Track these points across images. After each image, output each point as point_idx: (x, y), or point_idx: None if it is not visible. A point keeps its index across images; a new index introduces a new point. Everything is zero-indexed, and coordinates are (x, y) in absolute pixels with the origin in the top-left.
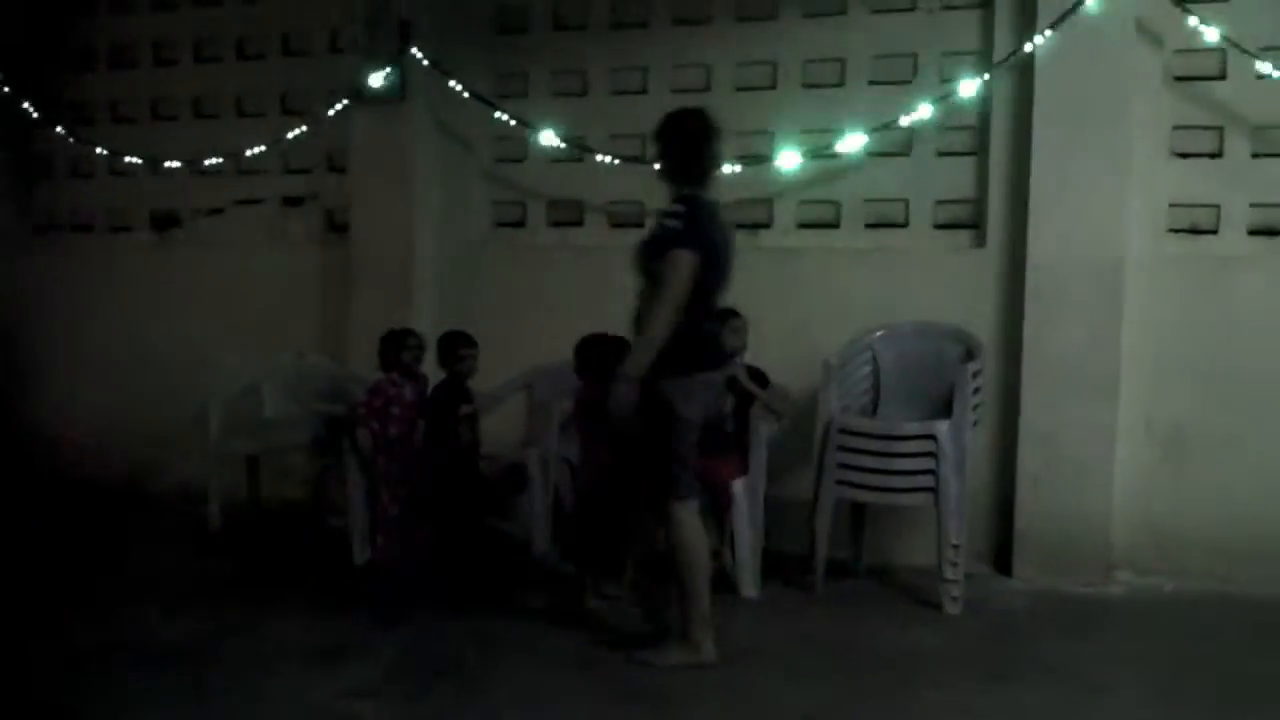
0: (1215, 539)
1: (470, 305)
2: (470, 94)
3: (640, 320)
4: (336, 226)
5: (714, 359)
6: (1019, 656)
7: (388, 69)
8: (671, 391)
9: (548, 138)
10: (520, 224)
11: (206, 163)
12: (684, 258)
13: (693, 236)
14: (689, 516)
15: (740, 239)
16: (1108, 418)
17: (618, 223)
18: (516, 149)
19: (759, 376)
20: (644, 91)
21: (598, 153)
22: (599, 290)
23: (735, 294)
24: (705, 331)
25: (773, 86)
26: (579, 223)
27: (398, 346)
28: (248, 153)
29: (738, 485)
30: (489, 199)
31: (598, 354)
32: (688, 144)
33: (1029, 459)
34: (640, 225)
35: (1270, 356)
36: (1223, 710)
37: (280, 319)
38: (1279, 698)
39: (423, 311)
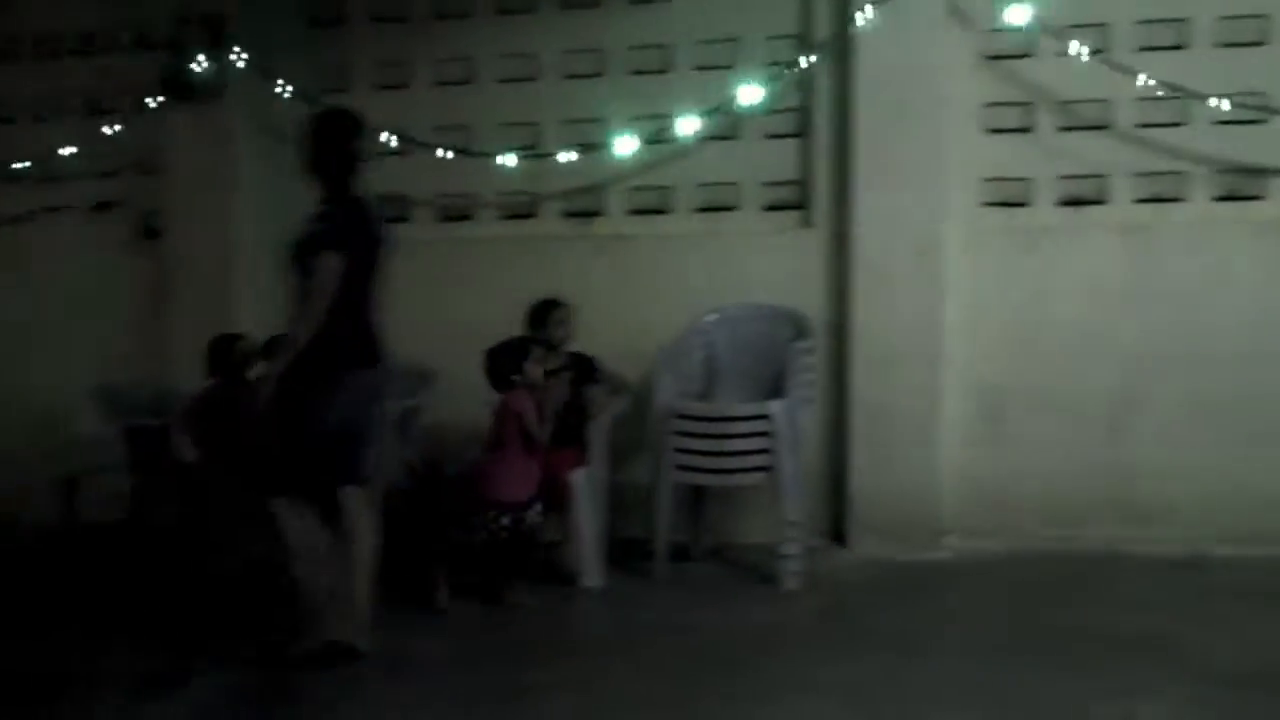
0: (1037, 498)
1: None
2: (289, 89)
3: (289, 321)
4: (150, 232)
5: (364, 358)
6: (856, 627)
7: (201, 66)
8: (305, 391)
9: (371, 132)
10: None
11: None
12: (329, 260)
13: (339, 238)
14: (287, 512)
15: (572, 228)
16: (933, 388)
17: (447, 216)
18: None
19: (588, 364)
20: (469, 82)
21: (424, 145)
22: (429, 284)
23: (570, 282)
24: (356, 331)
25: (600, 74)
26: (405, 218)
27: (226, 353)
28: (60, 154)
29: (577, 476)
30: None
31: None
32: (331, 144)
33: (860, 433)
34: (470, 218)
35: (1079, 321)
36: (1043, 664)
37: (93, 331)
38: (1097, 648)
39: (244, 317)
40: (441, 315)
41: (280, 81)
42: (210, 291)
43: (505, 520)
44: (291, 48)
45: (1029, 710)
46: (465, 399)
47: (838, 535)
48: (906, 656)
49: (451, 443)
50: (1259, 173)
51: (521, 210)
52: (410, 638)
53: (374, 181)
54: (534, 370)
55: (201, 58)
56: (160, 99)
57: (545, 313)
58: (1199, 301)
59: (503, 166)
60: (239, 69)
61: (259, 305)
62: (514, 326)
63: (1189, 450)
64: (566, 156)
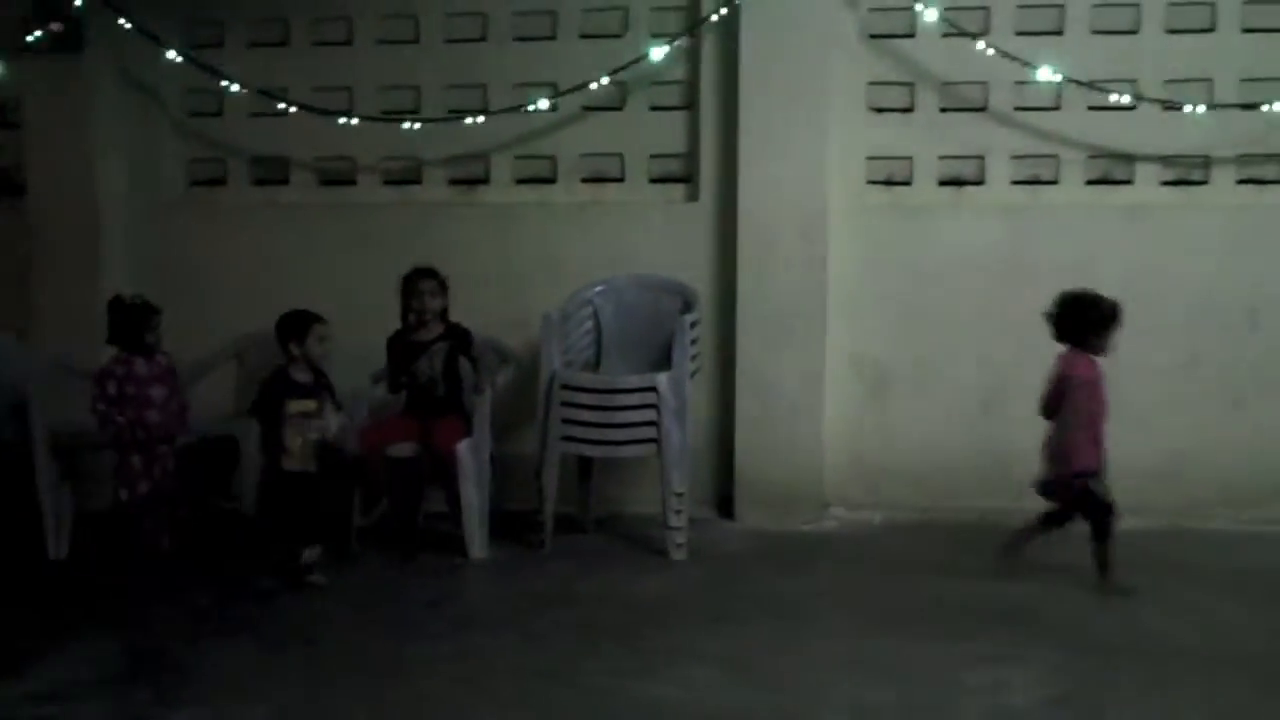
0: (915, 470)
1: (168, 269)
2: (155, 42)
3: None
4: (12, 188)
5: None
6: (740, 597)
7: (60, 15)
8: None
9: (245, 90)
10: (220, 181)
11: None
12: None
13: None
14: None
15: (457, 195)
16: (817, 361)
17: (327, 179)
18: (212, 102)
19: (465, 336)
20: (349, 43)
21: (301, 106)
22: (309, 250)
23: (455, 250)
24: None
25: (484, 39)
26: (285, 180)
27: (130, 318)
28: None
29: (462, 447)
30: (184, 156)
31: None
32: None
33: (747, 404)
34: (352, 182)
35: (958, 298)
36: (920, 633)
37: None
38: (972, 617)
39: (114, 278)
40: (321, 281)
41: (143, 33)
42: (77, 252)
43: None
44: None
45: (905, 677)
46: (345, 366)
47: (724, 506)
48: (790, 626)
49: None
50: (1128, 158)
51: (404, 176)
52: (291, 610)
53: (251, 142)
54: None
55: (60, 6)
56: (15, 49)
57: (414, 282)
58: (1072, 280)
59: (385, 130)
60: (101, 19)
61: (134, 269)
62: (395, 294)
63: None
64: (448, 122)
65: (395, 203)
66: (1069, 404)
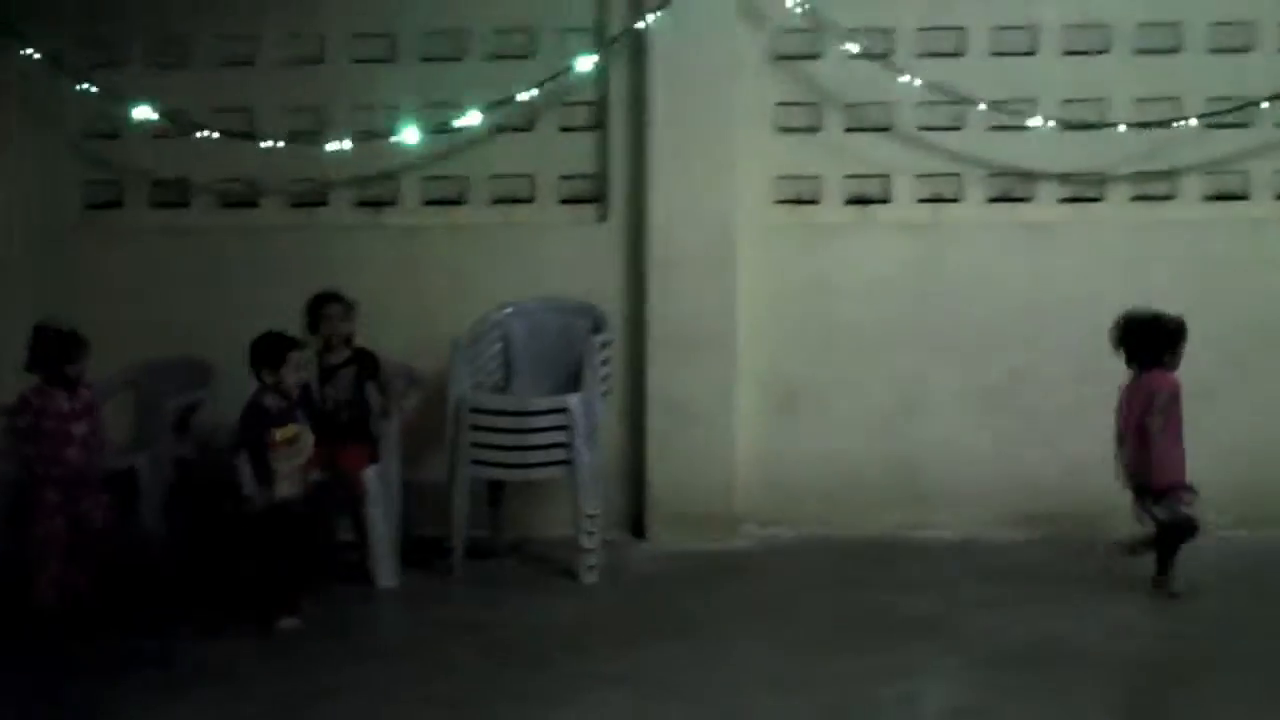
0: (825, 487)
1: (63, 294)
2: (50, 62)
3: None
4: None
5: None
6: (654, 618)
7: None
8: None
9: (144, 112)
10: (118, 204)
11: None
12: None
13: None
14: None
15: (363, 217)
16: (727, 380)
17: (229, 202)
18: (110, 123)
19: (372, 361)
20: (251, 63)
21: (203, 128)
22: (210, 274)
23: (362, 273)
24: None
25: (391, 59)
26: (185, 203)
27: (53, 348)
28: None
29: (369, 473)
30: (80, 178)
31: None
32: None
33: (657, 424)
34: (254, 205)
35: (865, 315)
36: (833, 648)
37: None
38: (883, 631)
39: (6, 305)
40: (223, 306)
41: (37, 53)
42: None
43: None
44: (56, 17)
45: (819, 693)
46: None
47: (637, 528)
48: (705, 645)
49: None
50: (1028, 176)
51: (309, 198)
52: (194, 644)
53: (150, 164)
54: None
55: None
56: None
57: (319, 307)
58: (975, 296)
59: (288, 152)
60: None
61: (28, 295)
62: (300, 319)
63: (966, 439)
64: (355, 144)
65: (300, 225)
66: (1161, 419)
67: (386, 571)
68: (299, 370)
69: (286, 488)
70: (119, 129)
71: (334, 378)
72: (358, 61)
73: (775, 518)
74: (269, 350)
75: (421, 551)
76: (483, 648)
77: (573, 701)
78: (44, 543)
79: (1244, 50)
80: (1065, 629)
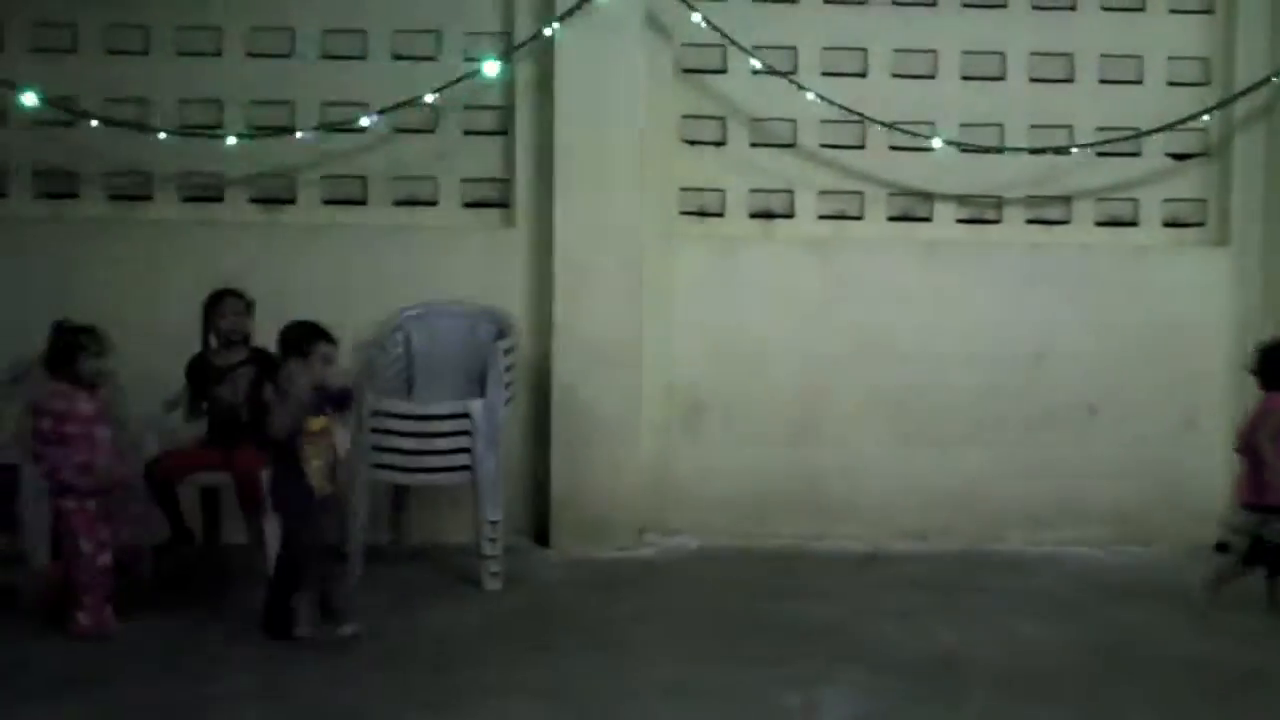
0: (729, 497)
1: None
2: None
3: None
4: None
5: None
6: (557, 626)
7: None
8: None
9: (29, 98)
10: (2, 194)
11: None
12: None
13: None
14: None
15: (261, 215)
16: (632, 389)
17: (119, 194)
18: None
19: (271, 361)
20: (145, 53)
21: (92, 117)
22: (99, 268)
23: (259, 271)
24: None
25: (289, 55)
26: (74, 194)
27: (71, 348)
28: None
29: (265, 476)
30: None
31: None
32: None
33: (562, 431)
34: (149, 197)
35: (768, 327)
36: (735, 657)
37: None
38: (785, 640)
39: None
40: (111, 301)
41: None
42: None
43: None
44: None
45: (722, 701)
46: (140, 395)
47: (541, 535)
48: (608, 654)
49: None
50: (927, 196)
51: (204, 194)
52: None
53: (35, 153)
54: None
55: None
56: None
57: (218, 303)
58: (876, 312)
59: (183, 146)
60: None
61: None
62: (191, 318)
63: (868, 450)
64: (250, 140)
65: (194, 221)
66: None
67: None
68: (326, 364)
69: (319, 482)
70: (2, 116)
71: (230, 377)
72: (255, 55)
73: (680, 527)
74: (298, 338)
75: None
76: (383, 654)
77: (474, 711)
78: (87, 564)
79: (1133, 82)
80: (960, 638)
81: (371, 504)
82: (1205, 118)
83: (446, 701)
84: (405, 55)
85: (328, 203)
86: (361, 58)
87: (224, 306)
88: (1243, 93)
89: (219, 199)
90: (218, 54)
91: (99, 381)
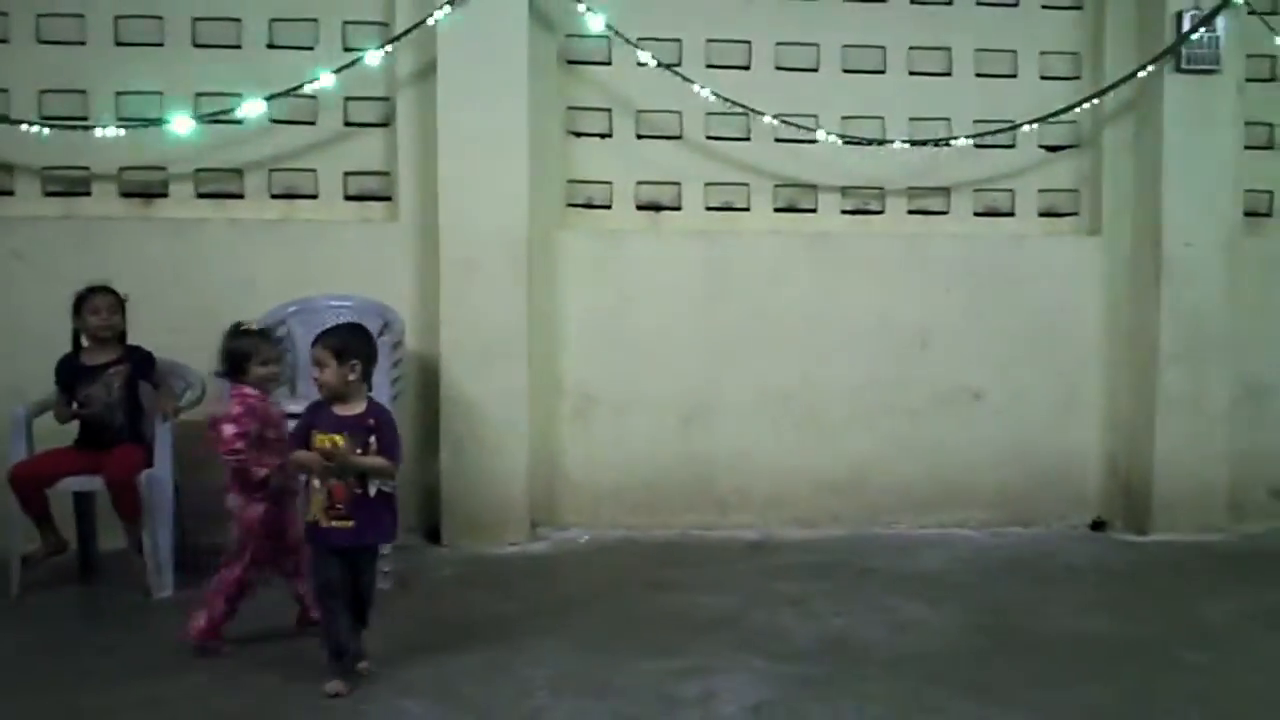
0: (620, 488)
1: None
2: None
3: None
4: None
5: None
6: (449, 624)
7: None
8: None
9: None
10: None
11: None
12: None
13: None
14: None
15: (132, 209)
16: (520, 382)
17: None
18: None
19: (146, 359)
20: (4, 40)
21: None
22: None
23: (130, 267)
24: None
25: (161, 44)
26: None
27: (247, 348)
28: None
29: (141, 479)
30: None
31: None
32: None
33: (451, 427)
34: (9, 192)
35: (657, 319)
36: (631, 649)
37: None
38: (679, 630)
39: None
40: None
41: None
42: None
43: None
44: None
45: (619, 694)
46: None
47: (432, 533)
48: (500, 650)
49: None
50: (811, 188)
51: (69, 188)
52: None
53: None
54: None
55: None
56: None
57: (87, 300)
58: (763, 303)
59: (46, 137)
60: None
61: None
62: (63, 315)
63: (758, 439)
64: (118, 131)
65: (59, 216)
66: None
67: (162, 581)
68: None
69: (320, 513)
70: None
71: (102, 377)
72: (122, 44)
73: (572, 520)
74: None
75: (202, 560)
76: (271, 658)
77: (368, 711)
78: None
79: (1008, 76)
80: (850, 623)
81: None
82: (1077, 110)
83: (335, 703)
84: (282, 45)
85: (201, 196)
86: (236, 46)
87: (94, 303)
88: (1112, 86)
89: (86, 193)
90: (82, 43)
91: (269, 388)
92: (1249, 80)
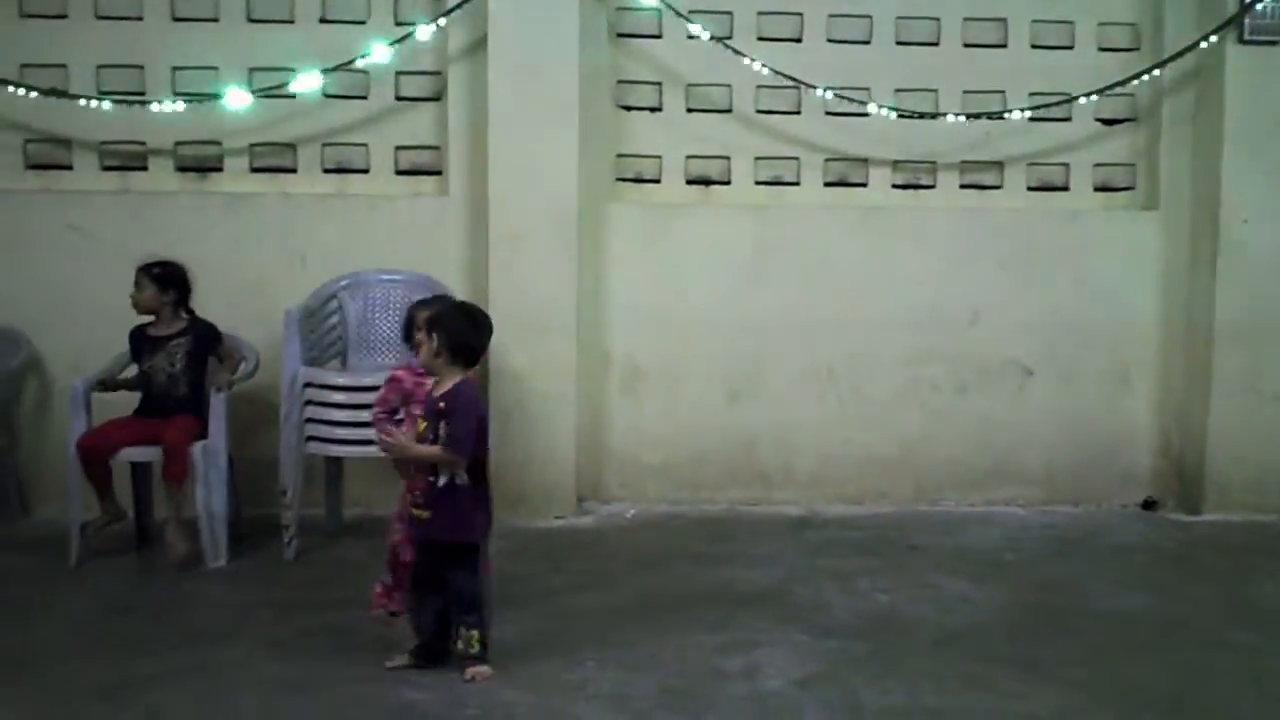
0: (666, 463)
1: None
2: None
3: None
4: None
5: None
6: (497, 596)
7: None
8: None
9: None
10: None
11: None
12: None
13: None
14: None
15: (189, 183)
16: (569, 356)
17: (37, 164)
18: None
19: (208, 331)
20: (65, 16)
21: (8, 83)
22: (18, 242)
23: (187, 242)
24: None
25: (216, 19)
26: None
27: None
28: None
29: (196, 450)
30: None
31: None
32: None
33: (500, 399)
34: (68, 168)
35: (704, 293)
36: (675, 622)
37: None
38: (725, 605)
39: None
40: (26, 275)
41: None
42: None
43: None
44: None
45: (664, 666)
46: (59, 366)
47: None
48: (546, 623)
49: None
50: (862, 162)
51: (127, 162)
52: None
53: None
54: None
55: None
56: None
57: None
58: (812, 278)
59: (104, 112)
60: None
61: None
62: (120, 288)
63: (805, 415)
64: (174, 106)
65: (115, 190)
66: None
67: (216, 550)
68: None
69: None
70: None
71: (165, 347)
72: (180, 20)
73: (617, 495)
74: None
75: (254, 531)
76: (319, 628)
77: (415, 682)
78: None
79: (1065, 48)
80: (896, 599)
81: (305, 477)
82: (1135, 83)
83: (372, 675)
84: (334, 19)
85: (256, 170)
86: (289, 21)
87: (138, 277)
88: (1172, 58)
89: (143, 168)
90: (139, 18)
91: (419, 363)
92: None
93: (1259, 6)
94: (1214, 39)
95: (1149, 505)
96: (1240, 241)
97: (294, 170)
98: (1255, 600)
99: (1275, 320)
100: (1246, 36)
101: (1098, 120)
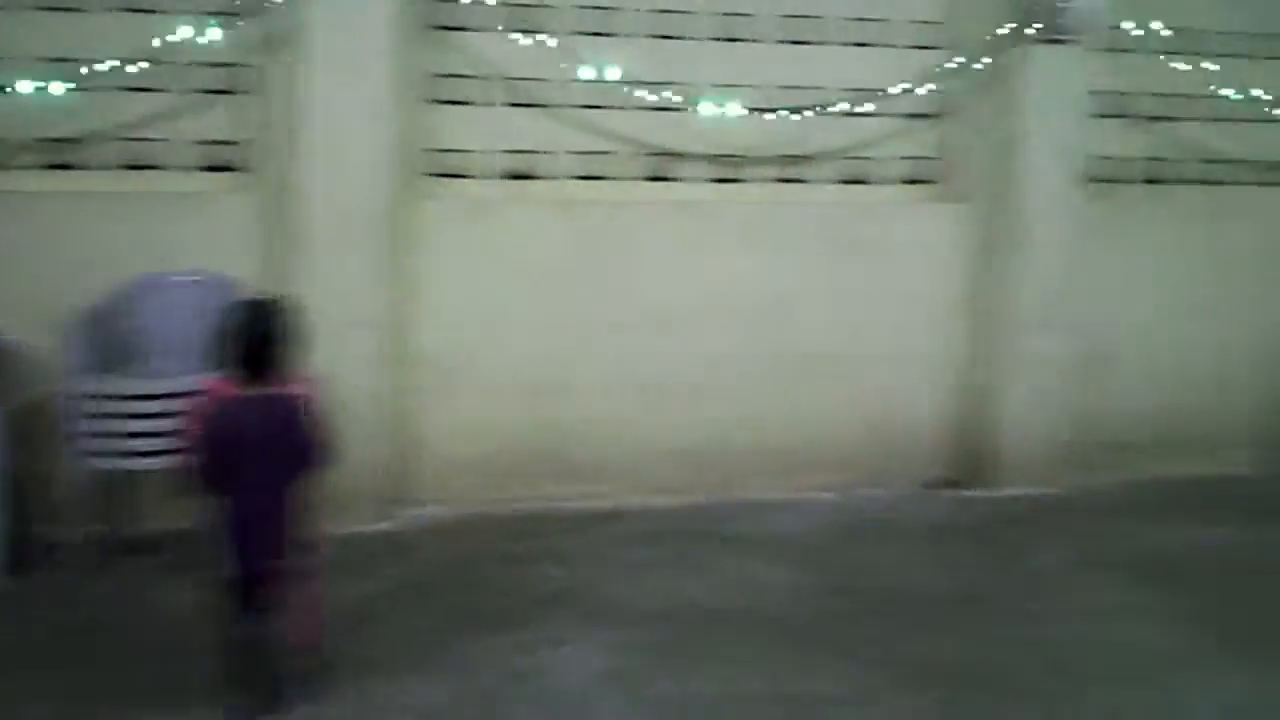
0: (478, 463)
1: None
2: None
3: None
4: None
5: None
6: None
7: None
8: None
9: None
10: None
11: None
12: None
13: None
14: None
15: None
16: (378, 357)
17: None
18: None
19: None
20: None
21: None
22: None
23: None
24: None
25: (3, 6)
26: None
27: None
28: None
29: None
30: None
31: None
32: None
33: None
34: None
35: (519, 289)
36: (478, 624)
37: None
38: (524, 601)
39: None
40: None
41: None
42: None
43: None
44: None
45: (459, 671)
46: None
47: None
48: (349, 633)
49: None
50: (677, 157)
51: None
52: None
53: None
54: None
55: None
56: None
57: None
58: (628, 271)
59: None
60: None
61: None
62: None
63: (615, 409)
64: None
65: None
66: None
67: None
68: None
69: None
70: None
71: None
72: None
73: (430, 497)
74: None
75: (37, 549)
76: (101, 647)
77: (186, 703)
78: None
79: (875, 45)
80: (705, 589)
81: (80, 492)
82: (941, 80)
83: (174, 688)
84: (131, 8)
85: (44, 167)
86: (80, 10)
87: None
88: (970, 56)
89: None
90: None
91: None
92: (1105, 51)
93: (1059, 5)
94: (1016, 38)
95: (950, 485)
96: (1035, 234)
97: (87, 167)
98: (1038, 569)
99: (1064, 308)
100: (1047, 36)
101: (903, 115)
